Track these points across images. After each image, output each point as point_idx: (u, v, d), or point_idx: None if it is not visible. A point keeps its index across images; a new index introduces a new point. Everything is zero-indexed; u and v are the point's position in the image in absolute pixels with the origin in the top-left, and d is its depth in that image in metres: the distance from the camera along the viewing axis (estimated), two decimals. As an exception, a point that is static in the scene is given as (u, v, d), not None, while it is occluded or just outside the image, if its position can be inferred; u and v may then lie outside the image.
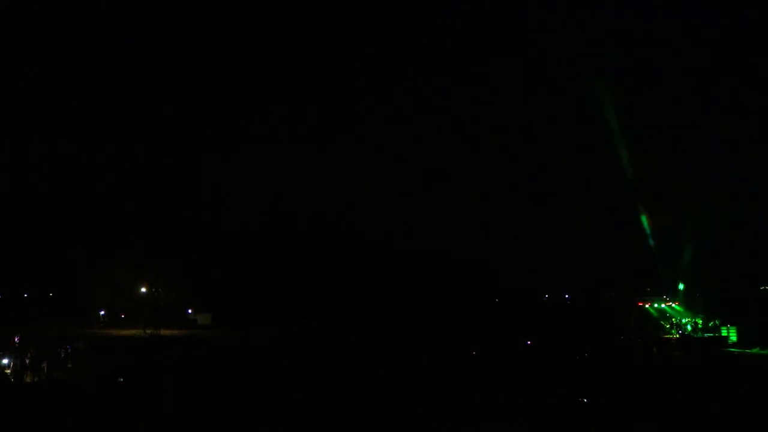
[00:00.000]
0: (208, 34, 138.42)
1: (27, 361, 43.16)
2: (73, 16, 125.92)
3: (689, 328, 77.98)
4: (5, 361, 42.20)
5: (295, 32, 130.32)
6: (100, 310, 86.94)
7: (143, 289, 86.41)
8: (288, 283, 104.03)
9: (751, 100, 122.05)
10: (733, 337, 71.70)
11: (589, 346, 62.11)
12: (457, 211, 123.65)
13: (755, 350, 65.61)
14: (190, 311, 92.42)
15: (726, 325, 73.93)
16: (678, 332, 77.61)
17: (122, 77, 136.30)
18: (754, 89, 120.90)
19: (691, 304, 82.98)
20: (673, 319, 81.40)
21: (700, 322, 77.93)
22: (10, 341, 49.25)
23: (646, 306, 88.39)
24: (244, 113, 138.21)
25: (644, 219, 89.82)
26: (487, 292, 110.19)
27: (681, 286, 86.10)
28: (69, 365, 46.46)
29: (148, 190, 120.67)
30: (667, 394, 38.29)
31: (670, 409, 33.95)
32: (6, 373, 41.04)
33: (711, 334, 74.35)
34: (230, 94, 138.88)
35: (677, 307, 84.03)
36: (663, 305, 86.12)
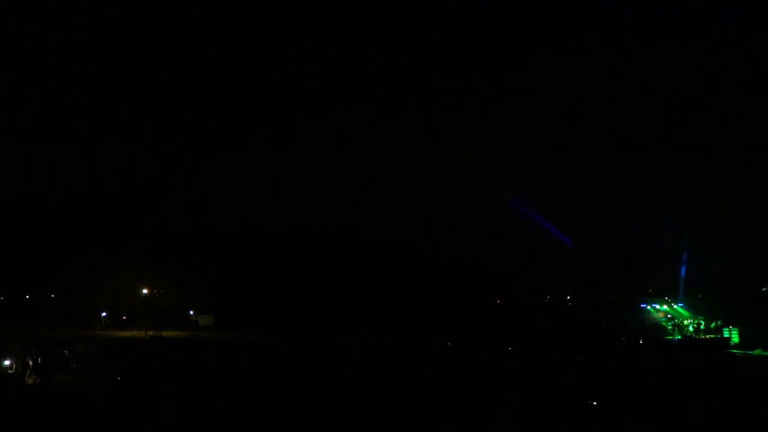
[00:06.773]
0: (210, 36, 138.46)
1: (28, 362, 43.22)
2: (79, 18, 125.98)
3: (691, 329, 77.79)
4: (6, 362, 42.18)
5: (296, 32, 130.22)
6: (102, 312, 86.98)
7: (145, 291, 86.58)
8: (290, 285, 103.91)
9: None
10: (735, 339, 71.62)
11: (591, 348, 62.09)
12: (457, 212, 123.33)
13: (757, 352, 65.56)
14: (191, 313, 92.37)
15: (728, 327, 73.86)
16: (680, 334, 77.46)
17: (122, 79, 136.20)
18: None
19: (692, 305, 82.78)
20: (675, 321, 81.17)
21: (702, 323, 77.78)
22: (11, 342, 49.29)
23: (648, 307, 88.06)
24: (246, 115, 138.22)
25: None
26: (487, 293, 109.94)
27: (682, 287, 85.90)
28: (71, 366, 46.55)
29: (150, 192, 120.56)
30: (669, 396, 38.25)
31: (671, 411, 33.92)
32: (8, 374, 41.05)
33: (713, 336, 74.24)
34: (231, 96, 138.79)
35: (679, 309, 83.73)
36: (664, 306, 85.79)
